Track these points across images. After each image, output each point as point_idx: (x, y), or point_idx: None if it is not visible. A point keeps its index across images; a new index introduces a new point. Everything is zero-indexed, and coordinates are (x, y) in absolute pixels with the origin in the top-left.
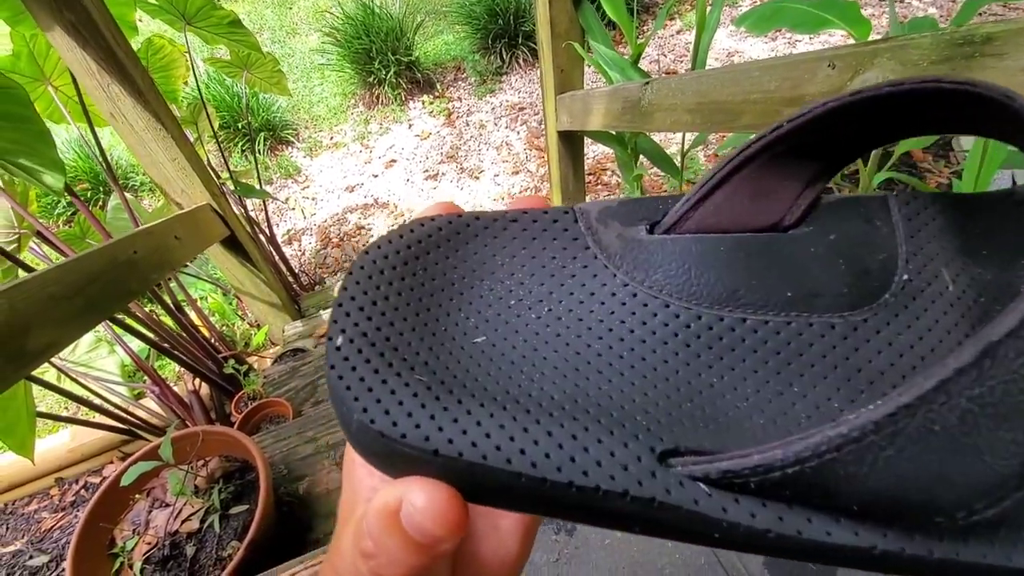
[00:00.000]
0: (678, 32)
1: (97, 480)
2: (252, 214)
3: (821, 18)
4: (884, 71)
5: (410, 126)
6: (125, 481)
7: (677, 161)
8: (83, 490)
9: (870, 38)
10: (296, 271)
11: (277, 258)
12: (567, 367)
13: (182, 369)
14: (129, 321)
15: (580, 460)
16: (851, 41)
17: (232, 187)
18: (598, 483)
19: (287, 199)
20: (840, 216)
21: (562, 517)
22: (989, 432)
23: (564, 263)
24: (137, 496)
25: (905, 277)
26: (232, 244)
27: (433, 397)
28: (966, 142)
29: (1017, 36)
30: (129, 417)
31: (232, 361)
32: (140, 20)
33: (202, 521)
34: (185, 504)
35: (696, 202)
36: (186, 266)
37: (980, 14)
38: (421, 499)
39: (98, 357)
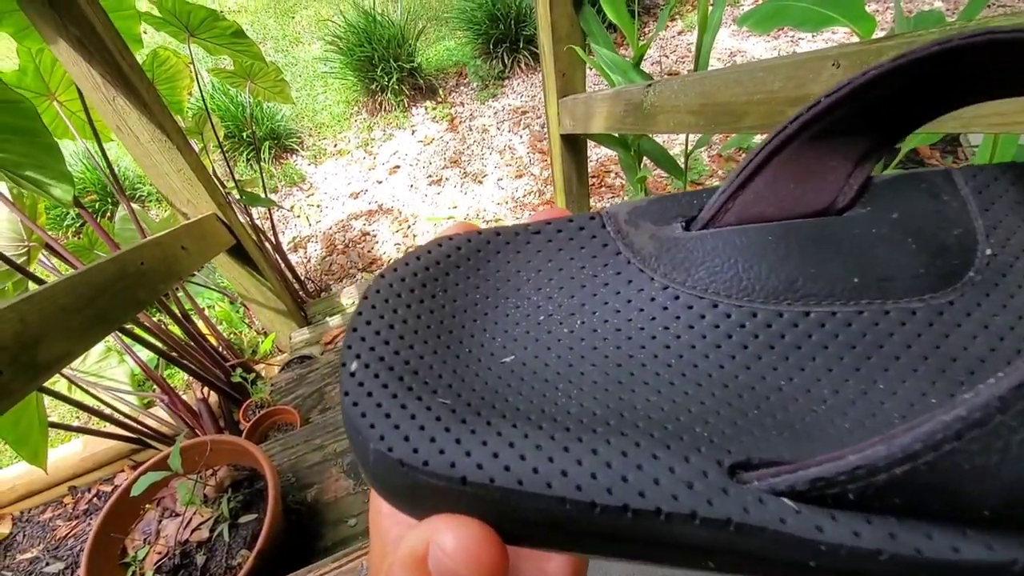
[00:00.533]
0: (680, 33)
1: (109, 489)
2: (258, 222)
3: (824, 16)
4: None
5: (413, 132)
6: (135, 491)
7: (681, 162)
8: (95, 498)
9: (875, 35)
10: (302, 278)
11: (283, 265)
12: (608, 380)
13: (191, 378)
14: (138, 331)
15: (634, 479)
16: (855, 39)
17: (237, 196)
18: (658, 505)
19: (292, 207)
20: (900, 193)
21: (619, 556)
22: None
23: (595, 272)
24: (147, 506)
25: (988, 252)
26: (238, 253)
27: (459, 420)
28: (974, 138)
29: None
30: (138, 426)
31: (239, 369)
32: (145, 32)
33: (211, 530)
34: (195, 513)
35: (734, 191)
36: (193, 275)
37: (989, 5)
38: (450, 540)
39: (108, 367)
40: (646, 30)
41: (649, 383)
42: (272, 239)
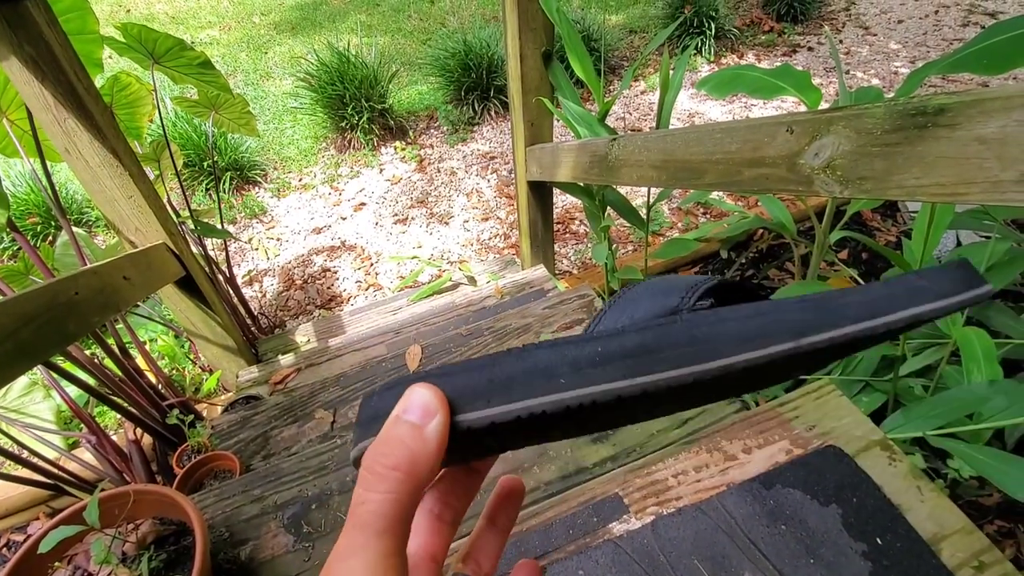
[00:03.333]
0: (643, 92)
1: (21, 538)
2: (212, 253)
3: (775, 85)
4: (840, 138)
5: (381, 170)
6: (43, 548)
7: (643, 213)
8: (5, 549)
9: (820, 106)
10: (255, 313)
11: (236, 300)
12: None
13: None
14: (66, 365)
15: None
16: (803, 108)
17: (192, 226)
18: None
19: (251, 239)
20: None
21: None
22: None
23: None
24: (57, 564)
25: None
26: (187, 285)
27: None
28: (912, 204)
29: (969, 108)
30: (58, 471)
31: (176, 410)
32: (109, 57)
33: None
34: (110, 574)
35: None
36: (137, 307)
37: (921, 84)
38: (421, 385)
39: (31, 402)
40: (611, 88)
41: None
42: (226, 271)
